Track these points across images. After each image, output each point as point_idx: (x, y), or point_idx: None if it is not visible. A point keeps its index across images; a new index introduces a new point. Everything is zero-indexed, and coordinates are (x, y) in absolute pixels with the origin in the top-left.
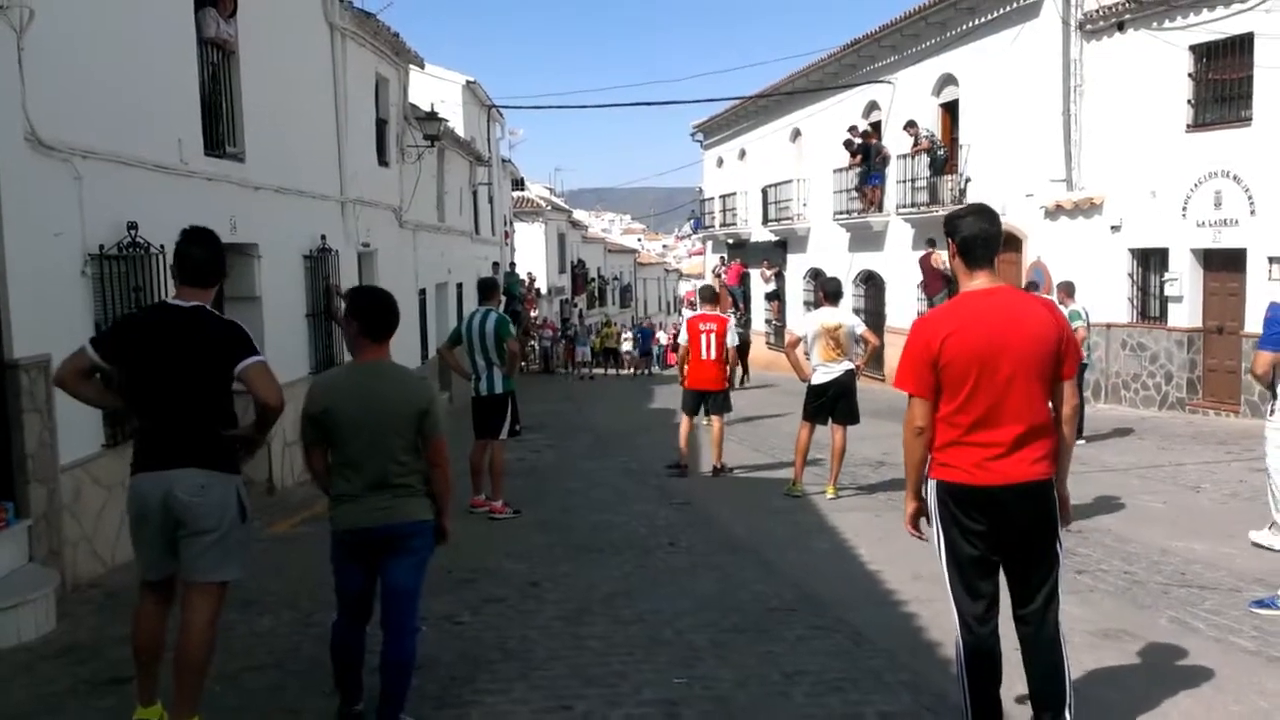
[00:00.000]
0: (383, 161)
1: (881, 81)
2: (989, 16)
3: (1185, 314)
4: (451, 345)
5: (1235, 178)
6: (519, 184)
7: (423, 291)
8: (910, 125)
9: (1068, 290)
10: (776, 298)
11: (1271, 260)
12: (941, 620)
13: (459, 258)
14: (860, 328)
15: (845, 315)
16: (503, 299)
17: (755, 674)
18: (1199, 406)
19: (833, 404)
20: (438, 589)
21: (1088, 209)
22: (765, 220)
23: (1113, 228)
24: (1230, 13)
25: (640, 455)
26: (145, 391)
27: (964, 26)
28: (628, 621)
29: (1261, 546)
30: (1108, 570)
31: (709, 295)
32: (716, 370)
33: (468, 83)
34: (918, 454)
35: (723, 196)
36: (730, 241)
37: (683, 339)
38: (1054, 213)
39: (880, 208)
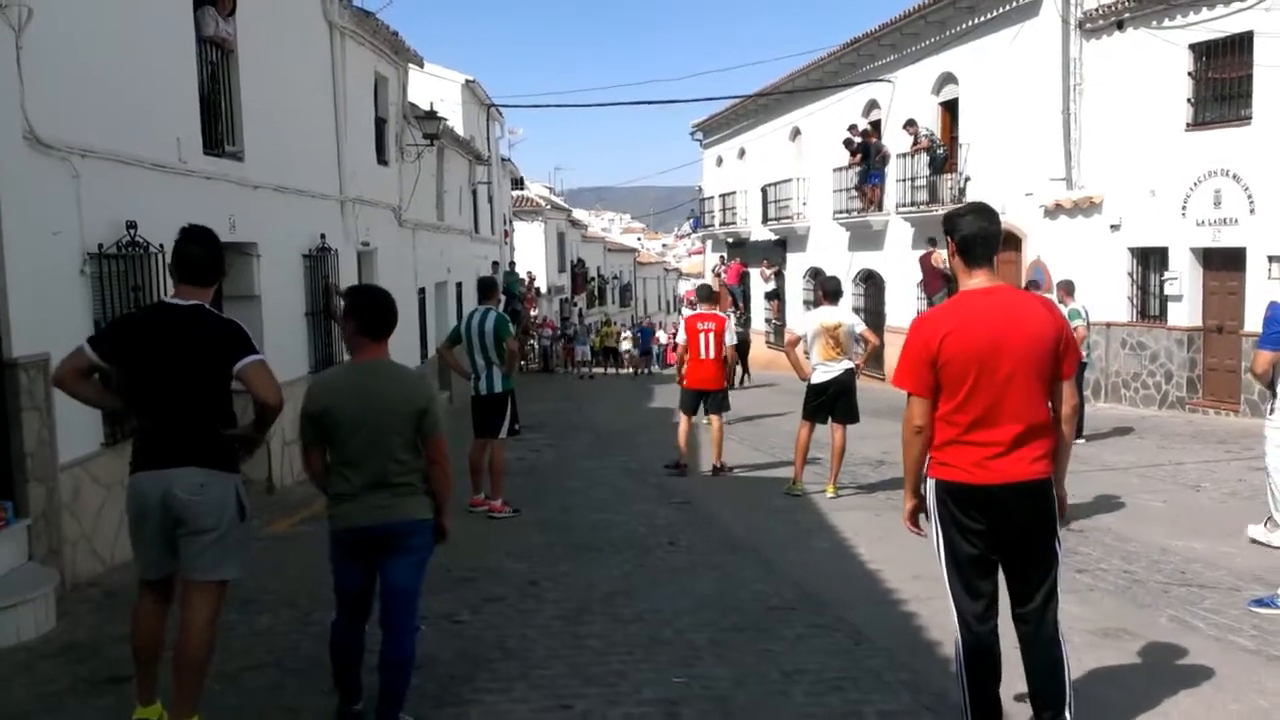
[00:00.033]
0: (382, 160)
1: (881, 80)
2: (989, 15)
3: (1185, 313)
4: (451, 344)
5: (1235, 176)
6: (518, 183)
7: (422, 291)
8: (910, 124)
9: (1067, 289)
10: (776, 297)
11: (1271, 259)
12: (941, 619)
13: (458, 257)
14: (860, 327)
15: (845, 314)
16: (502, 298)
17: (755, 673)
18: (1199, 405)
19: (832, 403)
20: (437, 588)
21: (1087, 208)
22: (765, 219)
23: (1112, 227)
24: (1230, 11)
25: (640, 454)
26: (144, 390)
27: (964, 25)
28: (627, 620)
29: (1259, 543)
30: (1107, 569)
31: (707, 294)
32: (715, 369)
33: (467, 81)
34: (916, 453)
35: (722, 195)
36: (730, 240)
37: (681, 338)
38: (1053, 211)
39: (880, 207)
